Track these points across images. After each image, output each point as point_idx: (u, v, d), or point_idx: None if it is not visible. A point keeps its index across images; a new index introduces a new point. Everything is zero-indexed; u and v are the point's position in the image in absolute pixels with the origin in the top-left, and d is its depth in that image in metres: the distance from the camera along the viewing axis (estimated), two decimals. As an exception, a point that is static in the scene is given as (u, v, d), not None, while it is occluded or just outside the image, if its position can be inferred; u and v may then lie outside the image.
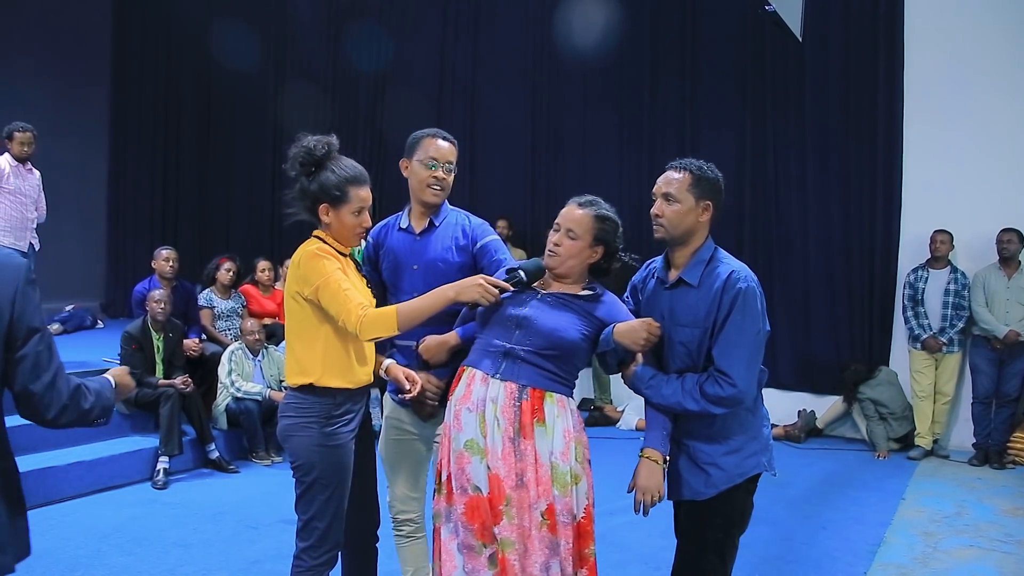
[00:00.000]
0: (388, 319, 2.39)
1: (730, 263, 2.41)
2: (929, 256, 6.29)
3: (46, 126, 5.99)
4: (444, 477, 2.47)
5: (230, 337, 6.25)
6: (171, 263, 6.12)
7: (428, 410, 2.76)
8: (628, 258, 2.65)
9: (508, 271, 2.52)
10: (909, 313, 6.31)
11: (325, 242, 2.54)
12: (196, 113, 10.31)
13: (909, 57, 6.62)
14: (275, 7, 9.72)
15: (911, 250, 6.56)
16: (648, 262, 2.62)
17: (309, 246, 2.52)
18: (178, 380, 5.37)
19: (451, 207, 2.89)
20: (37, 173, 5.82)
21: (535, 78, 8.28)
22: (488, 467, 2.36)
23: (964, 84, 6.40)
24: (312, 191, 2.51)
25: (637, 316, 2.50)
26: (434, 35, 8.81)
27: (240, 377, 5.69)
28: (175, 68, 10.24)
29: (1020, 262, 6.04)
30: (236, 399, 5.66)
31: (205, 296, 6.42)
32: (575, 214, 2.51)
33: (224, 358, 5.74)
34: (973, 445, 6.16)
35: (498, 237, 2.88)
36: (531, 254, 6.05)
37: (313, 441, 2.47)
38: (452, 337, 2.66)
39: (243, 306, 6.56)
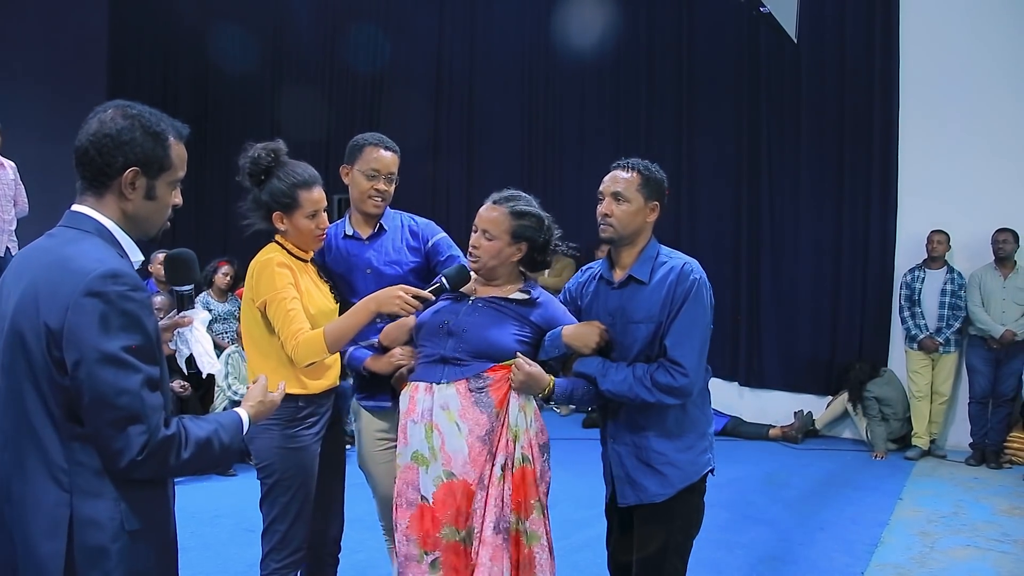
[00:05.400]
0: (317, 343, 2.38)
1: (679, 256, 2.45)
2: (926, 256, 6.29)
3: (42, 132, 5.88)
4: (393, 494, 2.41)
5: (227, 340, 6.25)
6: (167, 266, 6.09)
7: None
8: (565, 247, 2.60)
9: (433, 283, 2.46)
10: (906, 313, 6.31)
11: (285, 248, 2.52)
12: (193, 116, 10.23)
13: (904, 56, 6.62)
14: (272, 10, 9.71)
15: (907, 250, 6.55)
16: (585, 267, 2.66)
17: (267, 254, 2.49)
18: (175, 384, 5.37)
19: (391, 209, 2.86)
20: (10, 166, 5.30)
21: (532, 79, 8.29)
22: (444, 476, 2.26)
23: (960, 83, 6.40)
24: (264, 200, 2.50)
25: (578, 319, 2.50)
26: (431, 36, 8.81)
27: (237, 380, 5.68)
28: (172, 71, 10.24)
29: (1016, 262, 6.04)
30: (233, 402, 5.64)
31: (202, 299, 6.41)
32: (490, 214, 2.43)
33: (220, 361, 5.73)
34: (970, 445, 6.17)
35: (446, 235, 2.87)
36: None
37: (274, 443, 2.46)
38: (410, 320, 2.57)
39: (240, 309, 6.55)
